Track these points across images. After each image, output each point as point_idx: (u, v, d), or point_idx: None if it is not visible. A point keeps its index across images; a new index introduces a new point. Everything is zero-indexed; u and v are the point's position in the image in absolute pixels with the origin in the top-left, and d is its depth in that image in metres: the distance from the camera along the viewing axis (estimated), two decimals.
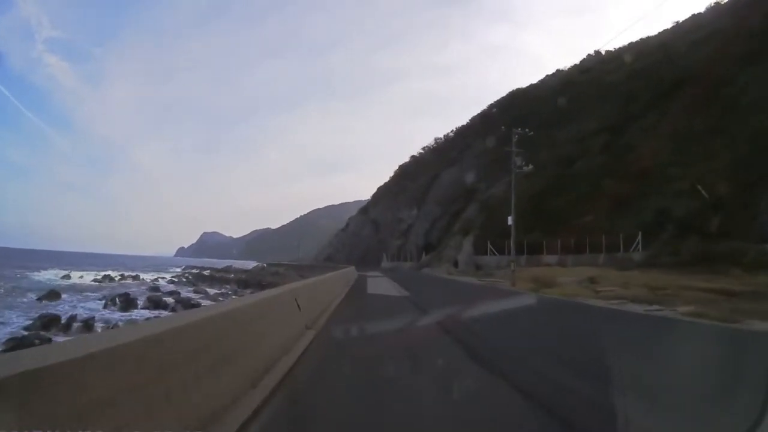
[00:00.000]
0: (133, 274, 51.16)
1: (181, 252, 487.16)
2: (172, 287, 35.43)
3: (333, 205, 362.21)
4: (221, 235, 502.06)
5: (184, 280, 47.41)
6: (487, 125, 67.63)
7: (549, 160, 43.29)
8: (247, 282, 39.22)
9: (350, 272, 26.27)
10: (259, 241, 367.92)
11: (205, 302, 23.07)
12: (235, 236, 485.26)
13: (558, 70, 72.98)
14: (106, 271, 52.54)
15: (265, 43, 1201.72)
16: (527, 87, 73.12)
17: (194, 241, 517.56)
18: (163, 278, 48.01)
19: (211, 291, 32.95)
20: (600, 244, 29.03)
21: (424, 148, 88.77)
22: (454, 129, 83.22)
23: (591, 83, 52.94)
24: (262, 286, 28.79)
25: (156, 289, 32.48)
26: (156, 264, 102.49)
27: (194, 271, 65.56)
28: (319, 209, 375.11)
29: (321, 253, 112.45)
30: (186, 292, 30.61)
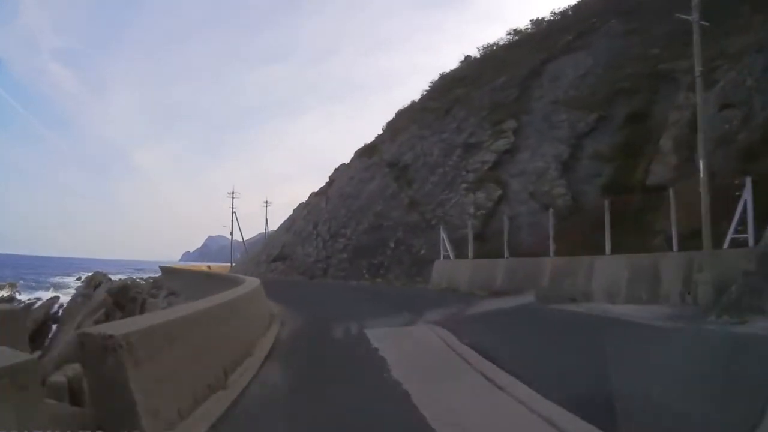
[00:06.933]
0: None
1: (186, 256, 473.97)
2: None
3: None
4: (225, 238, 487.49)
5: None
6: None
7: None
8: None
9: None
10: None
11: None
12: (239, 239, 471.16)
13: None
14: None
15: (265, 50, 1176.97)
16: None
17: (200, 245, 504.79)
18: None
19: None
20: None
21: (490, 46, 43.18)
22: (553, 12, 41.81)
23: None
24: None
25: None
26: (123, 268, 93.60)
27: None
28: None
29: (270, 249, 45.86)
30: None
